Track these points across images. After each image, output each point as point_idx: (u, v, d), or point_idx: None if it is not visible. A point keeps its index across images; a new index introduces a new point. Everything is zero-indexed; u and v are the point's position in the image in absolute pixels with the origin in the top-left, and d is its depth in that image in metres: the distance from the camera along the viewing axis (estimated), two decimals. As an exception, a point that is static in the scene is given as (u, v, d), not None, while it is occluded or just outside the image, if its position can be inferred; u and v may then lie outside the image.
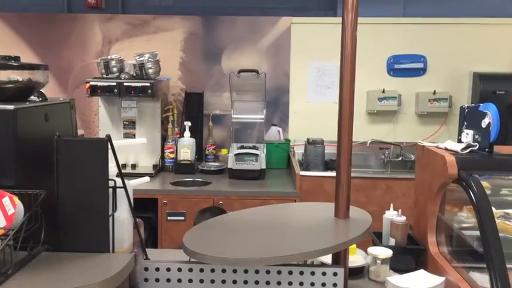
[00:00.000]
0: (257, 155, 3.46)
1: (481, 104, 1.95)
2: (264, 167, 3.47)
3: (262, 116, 3.75)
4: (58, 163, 1.38)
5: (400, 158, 3.84)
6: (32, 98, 1.61)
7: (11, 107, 1.38)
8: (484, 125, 1.86)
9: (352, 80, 1.71)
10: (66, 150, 1.39)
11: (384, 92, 3.87)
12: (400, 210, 2.06)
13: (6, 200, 1.26)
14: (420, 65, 3.94)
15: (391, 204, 2.13)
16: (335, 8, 4.01)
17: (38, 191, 1.34)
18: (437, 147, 2.02)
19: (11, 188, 1.34)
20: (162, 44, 3.96)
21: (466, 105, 2.01)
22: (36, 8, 4.05)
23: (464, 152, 1.87)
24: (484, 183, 1.73)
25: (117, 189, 1.47)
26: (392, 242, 2.00)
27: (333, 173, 3.34)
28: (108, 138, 1.42)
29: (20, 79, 1.55)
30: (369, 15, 3.57)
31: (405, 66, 3.93)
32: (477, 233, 1.69)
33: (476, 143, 1.89)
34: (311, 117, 4.00)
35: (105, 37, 4.04)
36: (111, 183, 1.44)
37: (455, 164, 1.78)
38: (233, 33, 4.02)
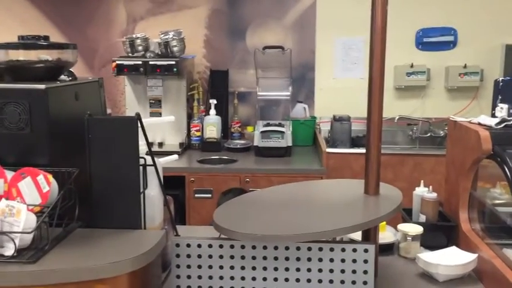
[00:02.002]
0: (283, 132, 3.44)
1: (516, 77, 1.89)
2: (290, 144, 3.46)
3: (288, 93, 3.72)
4: (90, 141, 1.40)
5: (428, 134, 3.77)
6: (62, 77, 1.63)
7: (42, 86, 1.39)
8: (520, 99, 1.80)
9: (382, 55, 1.66)
10: (97, 128, 1.40)
11: (412, 66, 3.78)
12: (430, 187, 2.03)
13: (40, 178, 1.28)
14: (450, 38, 3.82)
15: (422, 181, 2.10)
16: (362, -19, 3.90)
17: (71, 169, 1.36)
18: (470, 122, 1.96)
19: (45, 167, 1.37)
20: (187, 22, 3.94)
21: (500, 78, 1.94)
22: (61, -12, 4.07)
23: (498, 126, 1.82)
24: (520, 159, 1.68)
25: (147, 167, 1.49)
26: (422, 218, 1.97)
27: (360, 150, 3.37)
28: (138, 117, 1.42)
29: (50, 59, 1.56)
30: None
31: (434, 39, 3.82)
32: (511, 209, 1.65)
33: (511, 118, 1.83)
34: (337, 94, 3.95)
35: (129, 16, 4.04)
36: (141, 161, 1.46)
37: (490, 139, 1.73)
38: (257, 9, 3.96)
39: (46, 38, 1.57)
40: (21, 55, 1.52)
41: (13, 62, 1.48)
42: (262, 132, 3.46)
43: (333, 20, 3.90)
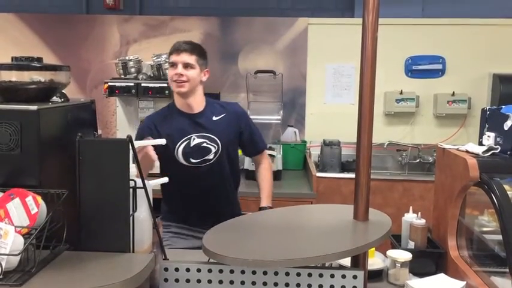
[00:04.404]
0: (273, 156, 3.45)
1: (503, 106, 1.93)
2: (280, 168, 3.47)
3: (279, 117, 3.75)
4: (80, 163, 1.39)
5: (417, 160, 3.81)
6: (54, 98, 1.63)
7: (34, 107, 1.40)
8: (506, 128, 1.83)
9: (372, 81, 1.69)
10: (88, 150, 1.40)
11: (401, 93, 3.84)
12: (419, 213, 2.04)
13: (29, 199, 1.27)
14: (439, 66, 3.90)
15: (410, 207, 2.11)
16: (352, 9, 3.99)
17: (60, 190, 1.35)
18: (457, 149, 1.99)
19: (34, 188, 1.36)
20: (179, 45, 3.97)
21: (487, 107, 1.98)
22: (55, 9, 4.10)
23: (486, 154, 1.85)
24: (506, 187, 1.71)
25: (137, 190, 1.48)
26: (411, 245, 1.98)
27: (350, 175, 3.39)
28: (129, 139, 1.43)
29: (43, 80, 1.57)
30: (387, 15, 3.54)
31: (423, 67, 3.90)
32: (499, 237, 1.66)
33: (498, 146, 1.86)
34: (327, 119, 3.99)
35: (123, 38, 4.07)
36: (131, 184, 1.45)
37: (477, 166, 1.76)
38: (250, 34, 4.02)
39: (39, 59, 1.57)
40: (14, 76, 1.52)
41: (5, 83, 1.48)
42: (252, 155, 3.46)
43: (324, 46, 3.96)
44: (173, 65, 2.22)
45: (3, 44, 4.04)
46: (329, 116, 3.98)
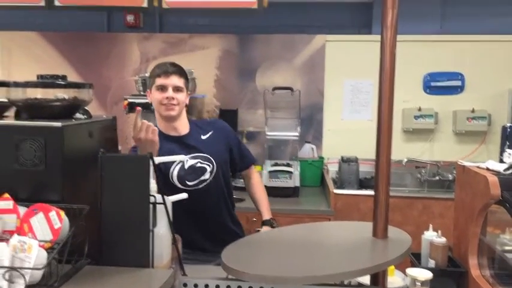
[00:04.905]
0: (291, 172, 3.45)
1: (524, 123, 1.91)
2: (298, 184, 3.46)
3: (296, 133, 3.76)
4: (102, 179, 1.42)
5: (437, 177, 3.77)
6: (77, 115, 1.66)
7: (58, 124, 1.43)
8: (527, 145, 1.81)
9: (391, 97, 1.69)
10: (110, 166, 1.42)
11: (420, 109, 3.82)
12: (439, 231, 2.01)
13: (52, 214, 1.30)
14: (458, 83, 3.88)
15: (430, 225, 2.09)
16: (370, 26, 4.00)
17: (82, 205, 1.37)
18: (478, 167, 1.97)
19: (57, 203, 1.38)
20: (198, 62, 4.04)
21: (508, 125, 1.96)
22: (77, 28, 4.20)
23: (507, 172, 1.82)
24: (529, 205, 1.68)
25: (157, 205, 1.50)
26: (431, 263, 1.95)
27: (368, 192, 3.37)
28: (150, 155, 1.45)
29: (66, 97, 1.60)
30: (405, 32, 3.55)
31: (442, 83, 3.88)
32: (522, 256, 1.63)
33: (519, 163, 1.84)
34: (345, 135, 3.99)
35: (142, 55, 4.15)
36: (151, 199, 1.47)
37: (498, 184, 1.74)
38: (268, 51, 4.06)
39: (64, 77, 1.61)
40: (39, 93, 1.56)
41: (31, 100, 1.52)
42: (270, 171, 3.47)
43: (342, 62, 3.98)
44: (162, 88, 2.16)
45: (27, 62, 4.15)
46: (346, 133, 3.98)
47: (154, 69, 2.20)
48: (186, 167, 2.18)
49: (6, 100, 1.58)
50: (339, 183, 3.72)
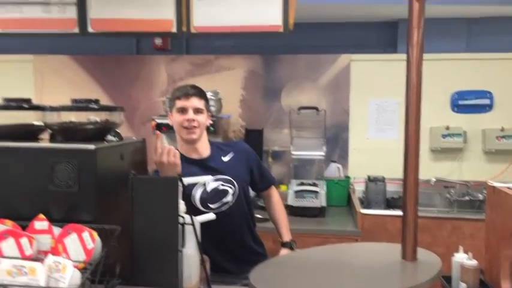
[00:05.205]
0: (317, 192, 3.44)
1: (556, 143, 1.87)
2: (324, 204, 3.45)
3: (322, 153, 3.75)
4: (133, 200, 1.45)
5: (466, 198, 3.69)
6: (109, 137, 1.71)
7: (91, 146, 1.48)
8: (561, 166, 1.77)
9: (417, 116, 1.68)
10: (141, 187, 1.46)
11: (448, 128, 3.78)
12: (470, 254, 1.97)
13: (86, 235, 1.33)
14: (486, 101, 3.82)
15: (461, 247, 2.04)
16: (395, 45, 4.00)
17: (114, 226, 1.41)
18: (509, 187, 1.93)
19: (89, 223, 1.42)
20: (224, 82, 4.10)
21: (540, 144, 1.92)
22: (107, 51, 4.32)
23: (539, 193, 1.78)
24: None
25: (185, 226, 1.52)
26: (463, 287, 1.91)
27: (396, 212, 3.32)
28: (179, 177, 1.48)
29: (98, 120, 1.66)
30: (431, 50, 3.54)
31: (470, 102, 3.83)
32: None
33: (552, 184, 1.80)
34: (371, 154, 3.96)
35: (170, 77, 4.23)
36: (180, 220, 1.50)
37: (531, 206, 1.70)
38: (293, 71, 4.09)
39: (96, 101, 1.67)
40: (73, 117, 1.62)
41: (66, 124, 1.58)
42: (296, 191, 3.47)
43: (367, 81, 3.98)
44: (182, 110, 2.16)
45: (59, 84, 4.28)
46: (373, 152, 3.95)
47: (175, 92, 2.22)
48: (208, 189, 2.18)
49: (42, 123, 1.65)
50: (366, 203, 3.68)
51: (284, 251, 2.31)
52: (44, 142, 1.63)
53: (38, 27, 1.78)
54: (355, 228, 3.18)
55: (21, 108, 1.62)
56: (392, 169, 3.63)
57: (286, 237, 2.38)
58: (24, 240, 1.31)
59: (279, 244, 2.45)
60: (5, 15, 1.75)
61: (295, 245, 2.35)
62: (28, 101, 1.67)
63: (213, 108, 3.63)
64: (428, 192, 3.74)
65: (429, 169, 3.74)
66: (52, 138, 1.67)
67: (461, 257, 1.98)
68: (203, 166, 2.22)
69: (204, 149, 2.26)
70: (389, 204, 3.67)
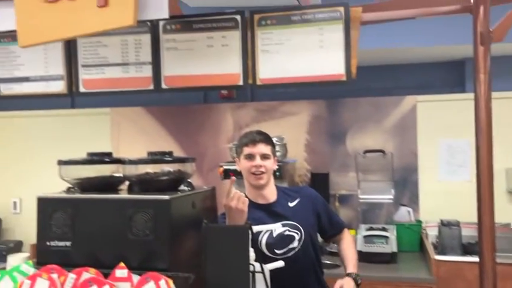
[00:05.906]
0: (387, 237, 3.35)
1: None
2: (395, 249, 3.34)
3: (391, 196, 3.67)
4: (206, 248, 1.50)
5: (551, 242, 3.44)
6: (182, 187, 1.80)
7: (166, 197, 1.56)
8: None
9: (489, 157, 1.64)
10: (213, 236, 1.51)
11: (526, 169, 3.58)
12: (559, 305, 1.83)
13: (162, 283, 1.39)
14: None
15: (548, 298, 1.91)
16: (463, 84, 3.91)
17: (188, 274, 1.46)
18: None
19: (163, 271, 1.48)
20: (289, 127, 4.16)
21: None
22: (177, 101, 4.55)
23: None
24: None
25: (256, 274, 1.55)
26: None
27: (473, 258, 3.15)
28: (249, 226, 1.52)
29: (172, 170, 1.75)
30: (500, 89, 3.43)
31: (549, 139, 3.63)
32: None
33: None
34: (443, 197, 3.82)
35: (236, 123, 4.37)
36: (250, 268, 1.52)
37: None
38: (357, 114, 4.09)
39: (170, 153, 1.77)
40: (149, 168, 1.73)
41: (143, 175, 1.69)
42: (365, 236, 3.39)
43: (435, 122, 3.89)
44: (250, 156, 2.21)
45: (134, 134, 4.54)
46: (444, 194, 3.81)
47: (242, 139, 2.29)
48: (275, 235, 2.19)
49: (121, 175, 1.77)
50: (440, 248, 3.51)
51: (347, 279, 2.18)
52: (123, 193, 1.74)
53: (118, 86, 1.93)
54: (430, 276, 3.04)
55: (103, 162, 1.75)
56: (466, 212, 3.41)
57: (351, 269, 2.27)
58: (106, 288, 1.39)
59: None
60: (90, 76, 1.93)
61: (360, 279, 2.24)
62: (109, 154, 1.80)
63: (278, 153, 3.69)
64: (509, 236, 3.52)
65: (507, 212, 3.53)
66: (130, 189, 1.78)
67: (549, 309, 1.85)
68: (269, 211, 2.24)
69: (271, 194, 2.29)
70: (466, 249, 3.47)
